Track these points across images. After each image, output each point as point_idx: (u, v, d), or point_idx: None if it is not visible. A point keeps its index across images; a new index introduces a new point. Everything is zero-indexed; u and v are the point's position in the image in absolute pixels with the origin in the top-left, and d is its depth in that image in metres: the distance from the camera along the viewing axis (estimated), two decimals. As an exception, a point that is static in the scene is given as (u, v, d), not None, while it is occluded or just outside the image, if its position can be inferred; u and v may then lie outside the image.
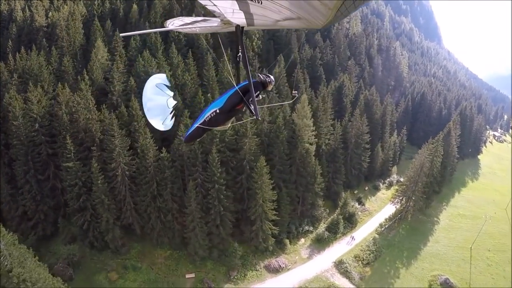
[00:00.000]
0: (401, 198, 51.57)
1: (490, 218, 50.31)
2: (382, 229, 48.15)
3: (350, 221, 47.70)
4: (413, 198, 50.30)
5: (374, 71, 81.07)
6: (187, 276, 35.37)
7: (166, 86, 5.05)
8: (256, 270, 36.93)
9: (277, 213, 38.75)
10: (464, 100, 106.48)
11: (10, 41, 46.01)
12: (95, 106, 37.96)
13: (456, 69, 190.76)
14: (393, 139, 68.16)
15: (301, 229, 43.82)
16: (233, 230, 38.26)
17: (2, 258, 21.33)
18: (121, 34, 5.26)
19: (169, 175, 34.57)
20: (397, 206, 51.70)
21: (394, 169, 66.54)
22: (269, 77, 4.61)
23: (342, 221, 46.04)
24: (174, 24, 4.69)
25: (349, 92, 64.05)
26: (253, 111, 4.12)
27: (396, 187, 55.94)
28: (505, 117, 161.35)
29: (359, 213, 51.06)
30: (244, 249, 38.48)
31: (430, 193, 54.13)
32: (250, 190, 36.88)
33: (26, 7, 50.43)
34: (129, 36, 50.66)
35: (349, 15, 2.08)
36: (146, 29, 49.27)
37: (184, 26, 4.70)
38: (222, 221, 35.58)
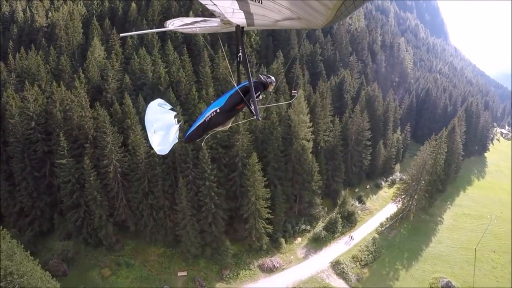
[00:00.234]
0: (403, 196, 48.70)
1: (496, 218, 46.77)
2: (383, 228, 45.64)
3: (349, 220, 45.35)
4: (416, 197, 47.45)
5: (377, 67, 77.78)
6: (179, 274, 34.15)
7: (167, 106, 4.66)
8: (250, 270, 35.31)
9: (272, 211, 37.01)
10: (470, 96, 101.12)
11: (11, 42, 45.82)
12: (90, 103, 37.34)
13: (463, 65, 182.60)
14: (396, 136, 65.01)
15: (298, 228, 41.86)
16: (227, 228, 36.76)
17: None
18: (121, 35, 4.80)
19: (160, 172, 33.35)
20: (399, 205, 48.87)
21: (397, 167, 63.40)
22: (270, 77, 4.49)
23: (340, 220, 43.76)
24: (174, 24, 4.56)
25: (351, 88, 61.35)
26: (254, 111, 4.04)
27: (398, 185, 53.07)
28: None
29: (359, 212, 48.61)
30: (238, 247, 36.98)
31: (433, 191, 51.10)
32: (243, 188, 35.22)
33: (27, 8, 50.19)
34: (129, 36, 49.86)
35: (349, 15, 1.93)
36: (144, 27, 48.27)
37: (184, 27, 4.54)
38: (215, 219, 34.11)
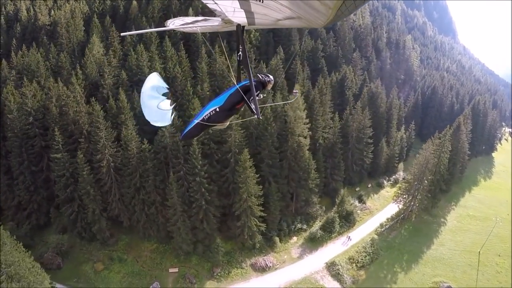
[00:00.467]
0: (404, 196, 46.00)
1: (502, 220, 43.48)
2: (383, 229, 43.21)
3: (348, 220, 43.12)
4: (418, 197, 44.75)
5: (381, 64, 74.47)
6: (170, 270, 33.05)
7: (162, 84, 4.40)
8: (242, 268, 33.80)
9: (266, 209, 35.38)
10: (478, 95, 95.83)
11: (14, 40, 45.80)
12: (87, 99, 36.77)
13: (472, 64, 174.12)
14: (400, 134, 61.95)
15: (294, 227, 39.99)
16: (220, 225, 35.39)
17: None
18: (121, 34, 4.64)
19: (151, 167, 32.25)
20: (400, 205, 46.20)
21: (401, 165, 60.45)
22: (268, 76, 4.38)
23: (338, 219, 41.59)
24: (174, 23, 4.44)
25: (352, 85, 58.72)
26: (254, 110, 3.88)
27: (399, 185, 50.33)
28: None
29: (359, 211, 46.25)
30: (231, 245, 35.58)
31: (436, 191, 48.20)
32: (236, 184, 33.73)
33: (31, 7, 50.15)
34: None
35: (350, 14, 1.90)
36: (144, 25, 47.44)
37: (185, 26, 4.42)
38: (206, 215, 32.76)
